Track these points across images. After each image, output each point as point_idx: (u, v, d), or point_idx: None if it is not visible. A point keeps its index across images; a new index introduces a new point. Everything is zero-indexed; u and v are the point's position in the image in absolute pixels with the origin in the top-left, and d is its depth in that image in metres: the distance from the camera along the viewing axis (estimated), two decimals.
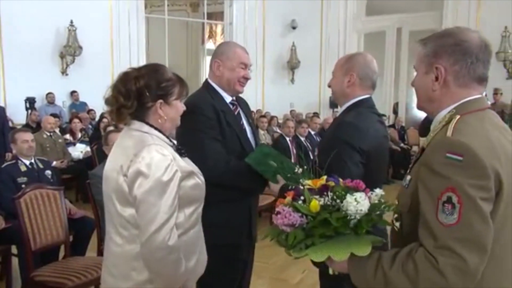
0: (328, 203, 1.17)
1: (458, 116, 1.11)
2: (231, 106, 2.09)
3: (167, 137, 1.55)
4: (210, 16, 12.50)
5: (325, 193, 1.19)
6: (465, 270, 1.00)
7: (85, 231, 3.39)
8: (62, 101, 9.23)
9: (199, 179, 1.56)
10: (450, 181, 1.01)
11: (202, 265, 1.63)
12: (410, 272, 1.05)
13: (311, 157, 6.07)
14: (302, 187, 1.26)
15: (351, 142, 1.69)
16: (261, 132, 7.03)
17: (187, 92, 1.61)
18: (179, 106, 1.57)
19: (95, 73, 8.90)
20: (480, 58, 1.14)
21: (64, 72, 9.06)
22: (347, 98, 1.84)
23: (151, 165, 1.39)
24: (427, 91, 1.19)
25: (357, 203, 1.14)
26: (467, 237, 1.00)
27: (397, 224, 1.22)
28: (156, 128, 1.51)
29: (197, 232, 1.58)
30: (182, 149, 1.58)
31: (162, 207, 1.38)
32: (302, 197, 1.21)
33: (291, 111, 10.33)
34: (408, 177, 1.19)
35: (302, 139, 6.02)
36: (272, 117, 9.04)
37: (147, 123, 1.50)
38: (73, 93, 9.23)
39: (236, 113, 2.10)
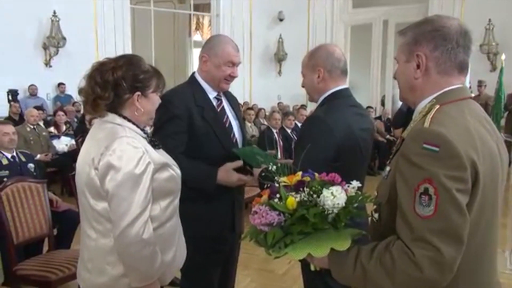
0: (305, 199, 1.15)
1: (437, 106, 1.10)
2: (214, 102, 2.05)
3: (142, 129, 1.52)
4: (197, 7, 12.37)
5: (301, 189, 1.17)
6: (441, 262, 0.99)
7: (70, 224, 3.35)
8: (46, 93, 9.07)
9: (173, 171, 1.53)
10: (427, 172, 1.00)
11: (180, 258, 1.61)
12: (388, 265, 1.04)
13: None
14: (277, 185, 1.23)
15: (315, 140, 1.67)
16: (248, 124, 7.03)
17: (164, 85, 1.58)
18: (156, 99, 1.54)
19: (80, 65, 8.57)
20: (460, 43, 1.13)
21: (47, 64, 8.89)
22: (321, 93, 1.83)
23: (122, 158, 1.36)
24: (409, 80, 1.18)
25: (334, 197, 1.12)
26: (443, 229, 0.99)
27: (376, 215, 1.21)
28: (129, 120, 1.48)
29: (174, 225, 1.56)
30: (155, 141, 1.55)
31: (135, 200, 1.36)
32: (278, 195, 1.18)
33: (278, 103, 10.34)
34: (388, 168, 1.17)
35: (289, 131, 6.04)
36: (259, 110, 9.03)
37: (121, 115, 1.47)
38: (60, 85, 9.07)
39: (219, 108, 2.06)
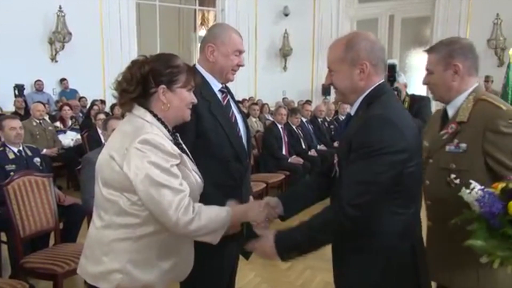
0: None
1: (483, 96, 1.62)
2: (219, 95, 1.95)
3: (170, 131, 1.50)
4: (202, 2, 12.34)
5: None
6: None
7: (76, 218, 3.38)
8: (52, 88, 9.11)
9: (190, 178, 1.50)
10: None
11: (181, 270, 1.57)
12: None
13: (302, 145, 6.10)
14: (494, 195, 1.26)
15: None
16: (253, 119, 7.03)
17: (197, 83, 1.56)
18: (185, 95, 1.50)
19: (86, 60, 8.78)
20: (475, 54, 1.69)
21: (53, 59, 8.93)
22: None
23: (150, 150, 1.37)
24: (447, 83, 1.67)
25: None
26: None
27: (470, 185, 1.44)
28: (159, 119, 1.47)
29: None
30: (180, 145, 1.55)
31: (171, 189, 1.37)
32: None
33: (283, 99, 10.32)
34: (464, 145, 1.58)
35: (294, 126, 6.05)
36: (263, 104, 9.03)
37: (151, 112, 1.47)
38: (62, 81, 9.10)
39: (225, 102, 1.97)
